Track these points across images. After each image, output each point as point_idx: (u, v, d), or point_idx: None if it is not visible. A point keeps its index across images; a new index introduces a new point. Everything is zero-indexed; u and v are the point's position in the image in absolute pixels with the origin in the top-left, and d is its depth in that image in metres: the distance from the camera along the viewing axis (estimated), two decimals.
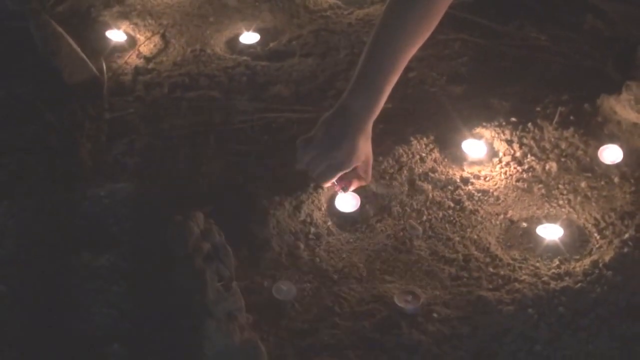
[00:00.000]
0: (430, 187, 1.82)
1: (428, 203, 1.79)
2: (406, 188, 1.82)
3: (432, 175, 1.85)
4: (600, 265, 1.62)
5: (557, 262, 1.66)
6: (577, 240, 1.71)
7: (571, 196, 1.79)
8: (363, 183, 1.77)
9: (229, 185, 1.82)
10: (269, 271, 1.66)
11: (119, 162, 1.87)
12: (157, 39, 2.23)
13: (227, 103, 2.02)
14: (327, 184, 1.75)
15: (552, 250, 1.68)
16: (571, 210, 1.77)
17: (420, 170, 1.86)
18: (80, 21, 2.26)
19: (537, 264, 1.66)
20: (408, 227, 1.73)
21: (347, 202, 1.77)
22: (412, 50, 1.70)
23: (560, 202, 1.78)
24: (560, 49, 2.18)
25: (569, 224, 1.73)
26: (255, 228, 1.72)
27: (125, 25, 2.26)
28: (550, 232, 1.71)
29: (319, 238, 1.73)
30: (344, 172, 1.71)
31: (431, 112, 2.00)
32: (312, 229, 1.74)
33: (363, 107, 1.68)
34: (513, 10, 2.33)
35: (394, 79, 1.69)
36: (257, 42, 2.20)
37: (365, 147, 1.71)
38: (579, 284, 1.60)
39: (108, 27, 2.22)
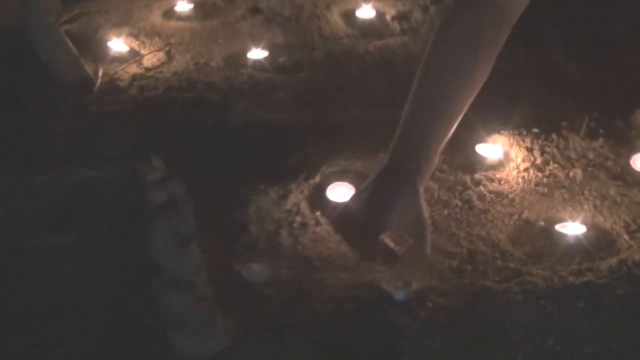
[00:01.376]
0: (436, 185, 1.62)
1: (432, 201, 1.58)
2: None
3: (439, 174, 1.65)
4: (629, 263, 1.39)
5: (578, 259, 1.42)
6: (603, 241, 1.47)
7: (598, 202, 1.57)
8: (419, 259, 1.41)
9: (212, 175, 1.64)
10: (242, 255, 1.44)
11: (98, 152, 1.72)
12: (161, 54, 2.11)
13: (223, 103, 1.86)
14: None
15: (573, 249, 1.45)
16: (597, 214, 1.54)
17: None
18: (87, 38, 2.16)
19: (554, 260, 1.42)
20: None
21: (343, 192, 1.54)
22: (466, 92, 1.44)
23: (585, 206, 1.56)
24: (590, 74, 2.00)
25: (594, 226, 1.51)
26: (232, 211, 1.52)
27: (130, 40, 2.15)
28: (572, 229, 1.47)
29: (304, 227, 1.52)
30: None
31: None
32: (298, 219, 1.53)
33: (411, 162, 1.40)
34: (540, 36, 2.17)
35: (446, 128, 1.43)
36: (265, 58, 2.07)
37: (416, 210, 1.39)
38: (603, 279, 1.36)
39: (110, 38, 2.12)
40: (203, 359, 1.23)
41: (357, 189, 1.47)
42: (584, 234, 1.46)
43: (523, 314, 1.29)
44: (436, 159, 1.45)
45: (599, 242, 1.46)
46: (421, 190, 1.42)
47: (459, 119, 1.45)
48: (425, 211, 1.41)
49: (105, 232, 1.50)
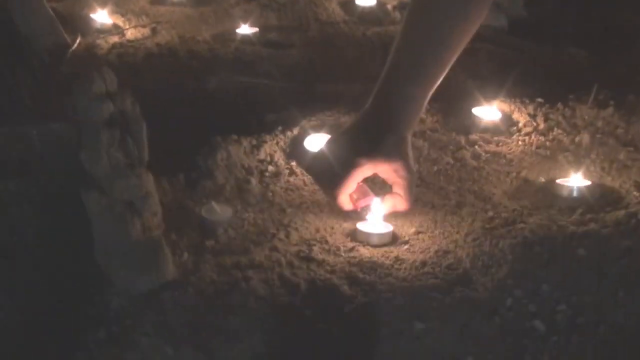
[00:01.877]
0: (426, 144, 1.46)
1: (421, 159, 1.43)
2: None
3: (430, 133, 1.50)
4: (639, 216, 1.22)
5: (581, 211, 1.25)
6: (610, 196, 1.31)
7: (606, 164, 1.41)
8: (400, 206, 1.26)
9: (184, 128, 1.50)
10: (205, 199, 1.29)
11: (64, 107, 1.59)
12: (146, 30, 2.00)
13: (204, 69, 1.74)
14: (344, 197, 1.25)
15: (576, 201, 1.29)
16: (605, 175, 1.38)
17: (417, 129, 1.50)
18: (72, 15, 2.06)
19: (554, 212, 1.26)
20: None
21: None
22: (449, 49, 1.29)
23: (592, 168, 1.40)
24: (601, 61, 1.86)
25: (600, 184, 1.34)
26: (199, 158, 1.37)
27: (115, 17, 2.05)
28: (575, 182, 1.31)
29: (277, 176, 1.37)
30: (360, 179, 1.26)
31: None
32: (271, 168, 1.38)
33: (395, 104, 1.27)
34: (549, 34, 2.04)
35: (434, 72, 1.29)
36: (254, 34, 1.95)
37: (400, 153, 1.25)
38: (607, 229, 1.19)
39: (94, 11, 2.01)
40: (136, 294, 1.07)
41: (334, 134, 1.32)
42: (589, 187, 1.30)
43: (514, 260, 1.12)
44: (423, 106, 1.31)
45: (605, 197, 1.30)
46: (408, 137, 1.28)
47: (449, 64, 1.30)
48: (412, 159, 1.26)
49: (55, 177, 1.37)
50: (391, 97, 1.28)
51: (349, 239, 1.20)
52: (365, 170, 1.24)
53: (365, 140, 1.24)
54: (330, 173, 1.25)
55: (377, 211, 1.23)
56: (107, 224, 1.12)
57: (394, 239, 1.20)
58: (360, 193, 1.26)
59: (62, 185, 1.36)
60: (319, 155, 1.30)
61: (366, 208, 1.23)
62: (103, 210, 1.11)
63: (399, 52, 1.31)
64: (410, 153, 1.27)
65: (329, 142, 1.30)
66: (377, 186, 1.29)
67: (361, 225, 1.20)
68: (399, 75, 1.29)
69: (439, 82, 1.31)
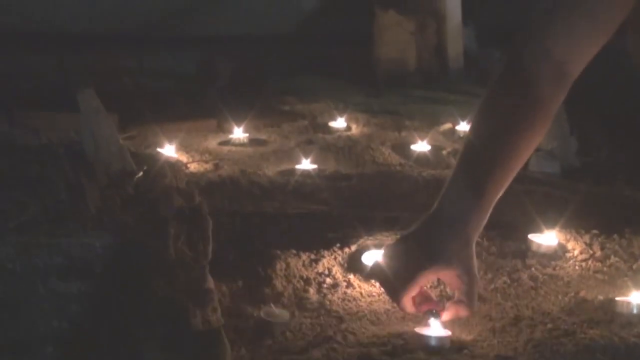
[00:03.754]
0: (483, 265, 1.47)
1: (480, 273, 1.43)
2: None
3: (487, 256, 1.51)
4: None
5: None
6: None
7: None
8: (462, 312, 1.25)
9: (242, 245, 1.53)
10: (263, 304, 1.31)
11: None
12: (209, 165, 2.09)
13: (264, 196, 1.80)
14: (407, 300, 1.24)
15: (637, 319, 1.27)
16: None
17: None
18: (140, 151, 2.16)
19: (615, 326, 1.24)
20: None
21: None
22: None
23: None
24: None
25: None
26: (258, 267, 1.40)
27: (180, 154, 2.14)
28: (635, 299, 1.30)
29: (334, 287, 1.38)
30: (423, 283, 1.26)
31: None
32: (329, 280, 1.40)
33: (460, 210, 1.27)
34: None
35: (499, 176, 1.29)
36: (314, 170, 2.02)
37: (464, 260, 1.25)
38: None
39: (162, 146, 2.11)
40: None
41: (396, 239, 1.34)
42: None
43: None
44: (487, 214, 1.30)
45: None
46: (472, 243, 1.28)
47: (513, 173, 1.31)
48: (475, 267, 1.27)
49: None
50: (455, 203, 1.29)
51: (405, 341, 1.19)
52: (429, 274, 1.25)
53: (428, 244, 1.25)
54: (395, 276, 1.26)
55: (440, 317, 1.23)
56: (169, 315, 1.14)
57: (451, 345, 1.19)
58: (423, 297, 1.26)
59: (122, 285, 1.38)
60: (383, 258, 1.31)
61: (429, 313, 1.23)
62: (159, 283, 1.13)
63: (464, 159, 1.33)
64: (474, 260, 1.27)
65: (392, 245, 1.30)
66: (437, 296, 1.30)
67: (420, 329, 1.20)
68: (464, 182, 1.30)
69: (502, 190, 1.31)
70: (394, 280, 1.25)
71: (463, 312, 1.25)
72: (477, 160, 1.31)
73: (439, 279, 1.35)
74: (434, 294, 1.31)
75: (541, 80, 1.30)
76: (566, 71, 1.29)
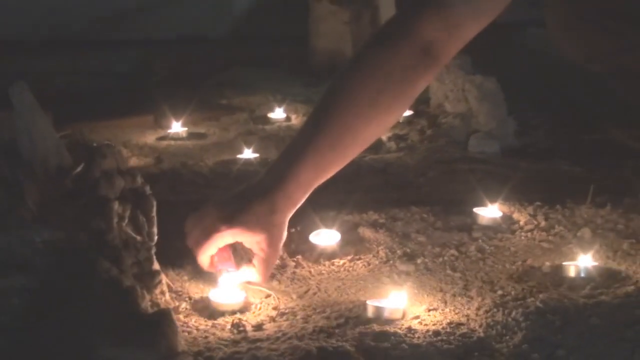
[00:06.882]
0: (425, 239, 1.48)
1: (425, 252, 1.43)
2: (397, 238, 1.48)
3: (433, 231, 1.51)
4: None
5: (590, 287, 1.25)
6: (618, 276, 1.31)
7: (610, 253, 1.42)
8: (254, 278, 1.27)
9: None
10: (212, 287, 1.28)
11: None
12: (149, 159, 2.05)
13: (207, 184, 1.77)
14: (204, 257, 1.26)
15: (585, 279, 1.29)
16: (610, 261, 1.38)
17: (418, 226, 1.52)
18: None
19: (564, 289, 1.26)
20: None
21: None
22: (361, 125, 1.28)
23: (597, 255, 1.40)
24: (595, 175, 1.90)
25: (607, 268, 1.34)
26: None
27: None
28: (582, 262, 1.32)
29: (283, 268, 1.37)
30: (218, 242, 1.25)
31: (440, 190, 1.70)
32: (277, 261, 1.38)
33: (273, 178, 1.26)
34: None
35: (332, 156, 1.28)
36: (255, 159, 2.00)
37: (267, 227, 1.25)
38: (619, 300, 1.19)
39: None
40: None
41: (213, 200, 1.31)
42: (596, 268, 1.31)
43: (526, 326, 1.11)
44: (306, 185, 1.27)
45: (613, 276, 1.30)
46: (285, 215, 1.26)
47: (352, 153, 1.30)
48: (282, 237, 1.26)
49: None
50: (271, 171, 1.28)
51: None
52: (225, 236, 1.24)
53: (232, 207, 1.24)
54: (195, 235, 1.25)
55: (232, 278, 1.25)
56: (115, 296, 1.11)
57: (404, 316, 1.18)
58: (222, 257, 1.26)
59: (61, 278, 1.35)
60: (192, 217, 1.28)
61: (223, 272, 1.25)
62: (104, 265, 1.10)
63: (302, 128, 1.32)
64: (282, 232, 1.26)
65: (204, 206, 1.29)
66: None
67: (372, 302, 1.19)
68: (284, 152, 1.30)
69: (332, 172, 1.30)
70: (194, 238, 1.25)
71: (255, 277, 1.26)
72: (305, 129, 1.30)
73: None
74: (238, 256, 1.28)
75: (403, 54, 1.26)
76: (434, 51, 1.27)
